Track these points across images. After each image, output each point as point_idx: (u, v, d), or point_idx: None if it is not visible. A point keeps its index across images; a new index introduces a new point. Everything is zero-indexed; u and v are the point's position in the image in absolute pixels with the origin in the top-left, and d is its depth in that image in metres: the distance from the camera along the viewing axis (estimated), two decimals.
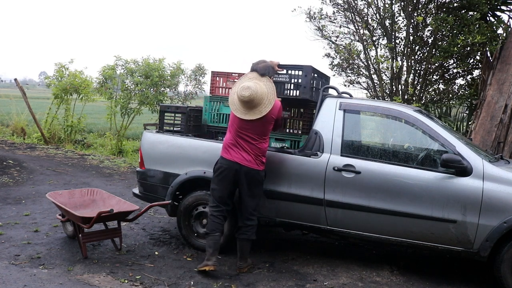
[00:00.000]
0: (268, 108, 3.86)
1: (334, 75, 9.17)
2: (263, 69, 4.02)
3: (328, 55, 9.08)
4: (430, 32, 7.76)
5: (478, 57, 7.65)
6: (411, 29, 7.77)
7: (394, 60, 8.00)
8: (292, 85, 4.44)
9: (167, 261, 4.19)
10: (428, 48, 7.77)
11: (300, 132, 4.71)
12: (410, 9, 7.72)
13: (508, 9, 7.65)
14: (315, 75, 4.57)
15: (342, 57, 8.76)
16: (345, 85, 8.98)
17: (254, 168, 3.91)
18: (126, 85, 10.64)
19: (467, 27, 7.06)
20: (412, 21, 7.69)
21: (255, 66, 4.07)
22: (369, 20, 8.38)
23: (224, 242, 4.37)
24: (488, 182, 3.75)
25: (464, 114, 8.73)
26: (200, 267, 3.88)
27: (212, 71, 5.30)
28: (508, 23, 7.29)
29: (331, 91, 4.59)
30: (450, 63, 7.99)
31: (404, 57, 7.96)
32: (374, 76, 8.47)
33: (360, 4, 8.45)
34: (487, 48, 7.08)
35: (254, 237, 4.06)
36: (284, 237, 5.11)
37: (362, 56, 8.52)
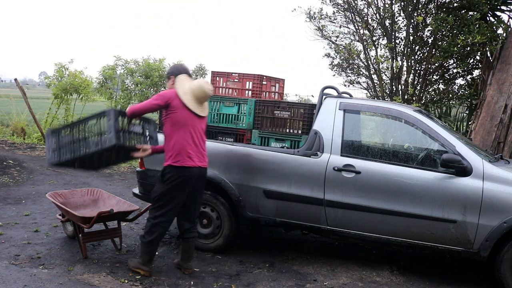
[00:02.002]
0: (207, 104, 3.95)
1: (334, 75, 9.18)
2: (187, 70, 3.98)
3: (328, 55, 9.09)
4: (430, 32, 7.76)
5: (478, 57, 7.65)
6: (411, 29, 7.77)
7: (394, 60, 8.00)
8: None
9: (167, 261, 4.19)
10: (428, 48, 7.77)
11: (300, 132, 4.71)
12: (410, 9, 7.72)
13: (508, 9, 7.66)
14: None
15: (342, 57, 8.76)
16: (345, 85, 8.99)
17: (206, 168, 3.87)
18: (126, 85, 10.66)
19: (467, 27, 7.06)
20: (412, 21, 7.69)
21: (180, 68, 3.94)
22: (369, 20, 8.38)
23: (224, 242, 4.37)
24: (488, 182, 3.75)
25: (464, 114, 8.73)
26: (134, 268, 3.82)
27: (212, 71, 5.30)
28: (508, 23, 7.29)
29: (331, 91, 4.59)
30: (450, 63, 7.99)
31: (404, 57, 7.96)
32: (374, 76, 8.48)
33: (360, 4, 8.46)
34: (487, 48, 7.09)
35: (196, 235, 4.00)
36: (284, 237, 5.11)
37: (362, 56, 8.53)
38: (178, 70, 3.92)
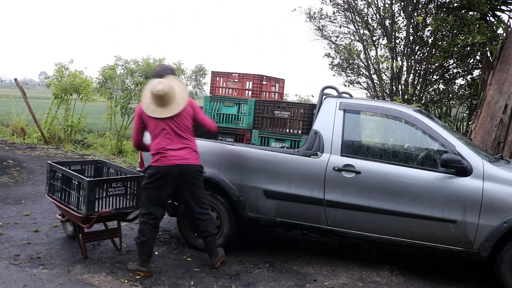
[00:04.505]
0: (185, 98, 3.88)
1: (334, 75, 9.18)
2: (160, 71, 4.00)
3: (328, 55, 9.08)
4: (430, 32, 7.76)
5: (478, 57, 7.64)
6: (411, 29, 7.77)
7: (394, 60, 8.00)
8: None
9: (167, 261, 4.19)
10: (428, 48, 7.76)
11: (300, 132, 4.71)
12: (410, 9, 7.71)
13: (508, 9, 7.65)
14: None
15: (342, 57, 8.76)
16: (345, 85, 8.98)
17: (193, 164, 3.86)
18: (126, 85, 10.65)
19: (467, 27, 7.06)
20: (412, 21, 7.69)
21: (152, 72, 4.10)
22: (369, 20, 8.37)
23: (225, 242, 4.37)
24: (488, 182, 3.75)
25: (464, 114, 8.73)
26: (133, 270, 3.84)
27: (212, 71, 5.29)
28: (508, 23, 7.29)
29: (331, 91, 4.59)
30: (450, 63, 7.98)
31: (404, 57, 7.96)
32: (374, 76, 8.47)
33: (360, 4, 8.45)
34: (487, 48, 7.08)
35: (215, 231, 4.05)
36: (284, 237, 5.11)
37: (362, 56, 8.52)
38: (151, 75, 4.08)
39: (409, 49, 7.88)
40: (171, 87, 3.82)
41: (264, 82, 5.27)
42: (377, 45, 8.37)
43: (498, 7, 7.57)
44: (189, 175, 3.84)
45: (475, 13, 7.07)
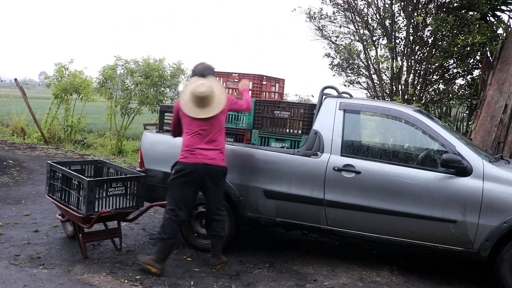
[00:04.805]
0: (223, 102, 3.95)
1: (334, 75, 9.17)
2: (202, 70, 4.07)
3: (328, 55, 9.08)
4: (430, 32, 7.75)
5: (478, 57, 7.64)
6: (411, 29, 7.77)
7: (394, 60, 7.99)
8: None
9: (167, 261, 4.19)
10: (428, 48, 7.76)
11: (300, 132, 4.71)
12: (410, 9, 7.71)
13: (508, 9, 7.65)
14: None
15: (342, 57, 8.75)
16: (345, 85, 8.97)
17: (219, 165, 3.93)
18: (126, 85, 10.64)
19: (467, 27, 7.06)
20: (412, 21, 7.69)
21: (195, 69, 4.15)
22: (369, 20, 8.37)
23: (225, 242, 4.36)
24: (488, 182, 3.75)
25: (464, 114, 8.72)
26: (145, 263, 3.86)
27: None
28: (508, 23, 7.29)
29: (331, 91, 4.58)
30: (450, 63, 7.98)
31: (404, 57, 7.96)
32: (374, 76, 8.47)
33: (360, 4, 8.44)
34: (487, 48, 7.08)
35: (224, 233, 4.09)
36: (284, 237, 5.11)
37: (362, 56, 8.52)
38: (193, 72, 4.16)
39: (409, 49, 7.87)
40: (212, 90, 3.91)
41: (264, 82, 5.27)
42: (377, 45, 8.37)
43: (498, 7, 7.57)
44: (214, 175, 3.91)
45: (475, 13, 7.07)
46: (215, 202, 4.01)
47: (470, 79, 8.03)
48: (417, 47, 7.89)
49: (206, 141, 3.90)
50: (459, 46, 7.03)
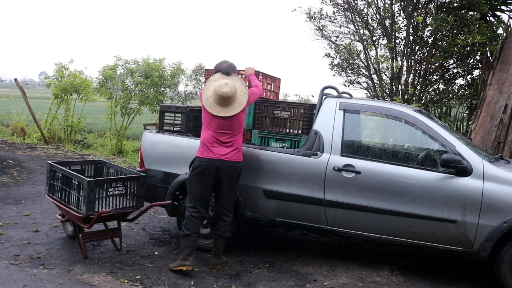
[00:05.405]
0: (243, 102, 3.98)
1: (334, 75, 9.18)
2: (227, 68, 4.10)
3: (328, 55, 9.08)
4: (430, 32, 7.76)
5: (478, 57, 7.64)
6: (411, 29, 7.77)
7: (394, 60, 8.00)
8: None
9: (167, 261, 4.19)
10: (428, 48, 7.76)
11: (300, 132, 4.71)
12: (410, 9, 7.71)
13: (508, 9, 7.65)
14: None
15: (342, 57, 8.76)
16: (345, 85, 8.98)
17: (235, 161, 3.98)
18: (126, 85, 10.64)
19: (467, 27, 7.06)
20: (412, 21, 7.69)
21: (219, 66, 4.17)
22: (369, 20, 8.37)
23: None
24: (488, 182, 3.75)
25: (464, 114, 8.73)
26: (176, 267, 3.88)
27: (205, 69, 5.26)
28: (508, 23, 7.28)
29: (331, 91, 4.58)
30: (450, 63, 7.98)
31: (404, 57, 7.96)
32: (374, 76, 8.47)
33: (360, 4, 8.45)
34: (487, 48, 7.08)
35: (228, 235, 4.09)
36: (284, 237, 5.11)
37: (362, 56, 8.52)
38: (216, 69, 4.19)
39: (409, 49, 7.87)
40: (235, 91, 3.95)
41: (260, 77, 5.22)
42: (377, 45, 8.37)
43: (498, 7, 7.57)
44: (228, 172, 3.95)
45: (475, 13, 7.07)
46: (226, 202, 4.03)
47: (470, 79, 8.03)
48: (417, 47, 7.89)
49: (224, 138, 3.94)
50: (459, 46, 7.03)
